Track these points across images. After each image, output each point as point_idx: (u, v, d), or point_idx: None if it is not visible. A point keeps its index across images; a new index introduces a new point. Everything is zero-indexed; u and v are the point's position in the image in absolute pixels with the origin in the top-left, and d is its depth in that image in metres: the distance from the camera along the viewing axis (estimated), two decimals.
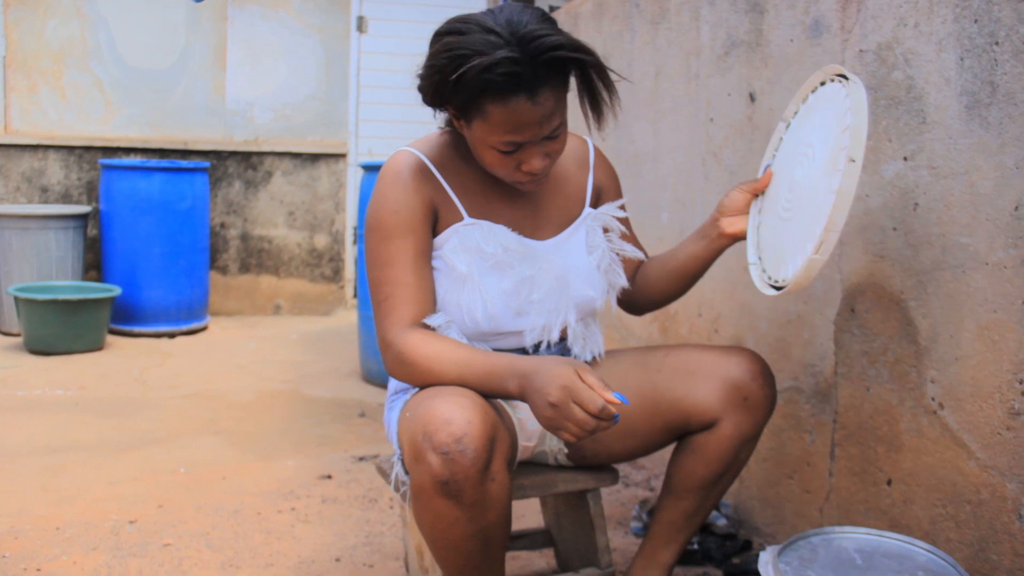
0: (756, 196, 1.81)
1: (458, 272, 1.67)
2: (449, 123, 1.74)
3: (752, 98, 2.37)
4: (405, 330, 1.61)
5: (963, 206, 1.69)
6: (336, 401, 3.88)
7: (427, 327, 1.64)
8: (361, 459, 3.07)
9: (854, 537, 1.61)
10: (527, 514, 2.56)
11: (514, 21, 1.51)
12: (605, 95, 1.64)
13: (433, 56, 1.55)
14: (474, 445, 1.41)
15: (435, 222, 1.70)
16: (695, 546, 2.29)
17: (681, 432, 1.79)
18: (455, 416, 1.42)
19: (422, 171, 1.70)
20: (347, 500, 2.70)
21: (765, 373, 1.76)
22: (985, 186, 1.64)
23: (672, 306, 2.72)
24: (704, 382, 1.74)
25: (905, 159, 1.83)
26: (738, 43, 2.44)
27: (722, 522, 2.36)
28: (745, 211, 1.81)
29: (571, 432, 1.42)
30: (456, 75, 1.48)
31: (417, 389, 1.65)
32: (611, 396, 1.42)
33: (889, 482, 1.90)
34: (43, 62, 5.61)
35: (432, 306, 1.68)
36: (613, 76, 1.63)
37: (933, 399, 1.77)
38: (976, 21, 1.64)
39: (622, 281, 1.84)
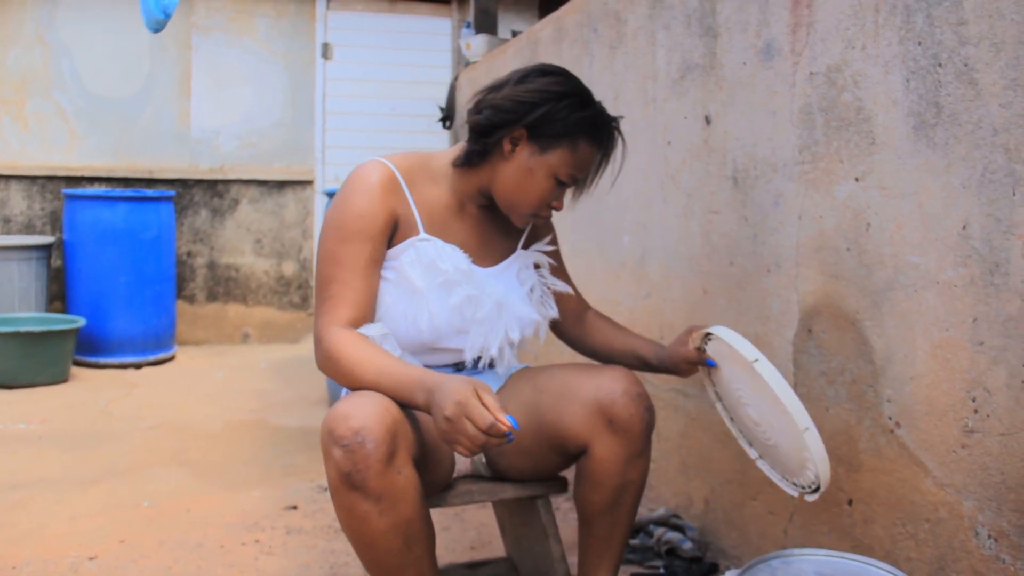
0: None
1: (411, 285, 1.75)
2: (477, 148, 1.80)
3: (708, 121, 2.39)
4: (339, 329, 1.67)
5: (913, 226, 1.70)
6: (303, 430, 3.85)
7: (358, 333, 1.68)
8: (326, 489, 3.04)
9: (814, 559, 1.61)
10: (493, 541, 2.55)
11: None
12: (594, 183, 1.89)
13: (540, 90, 1.75)
14: (372, 436, 1.46)
15: (393, 232, 1.77)
16: (661, 570, 2.29)
17: (565, 454, 1.82)
18: (354, 412, 1.49)
19: (391, 182, 1.77)
20: (312, 530, 2.67)
21: (630, 392, 1.73)
22: (933, 206, 1.65)
23: (633, 327, 2.72)
24: (572, 406, 1.76)
25: (856, 180, 1.84)
26: (693, 67, 2.46)
27: (688, 545, 2.35)
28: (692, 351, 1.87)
29: (463, 445, 1.46)
30: (570, 107, 1.74)
31: None
32: (502, 417, 1.45)
33: (850, 502, 1.90)
34: (4, 91, 5.57)
35: (371, 314, 1.73)
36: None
37: (890, 418, 1.78)
38: (920, 43, 1.66)
39: (553, 312, 1.96)
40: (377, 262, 1.74)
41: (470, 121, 1.81)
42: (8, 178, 5.56)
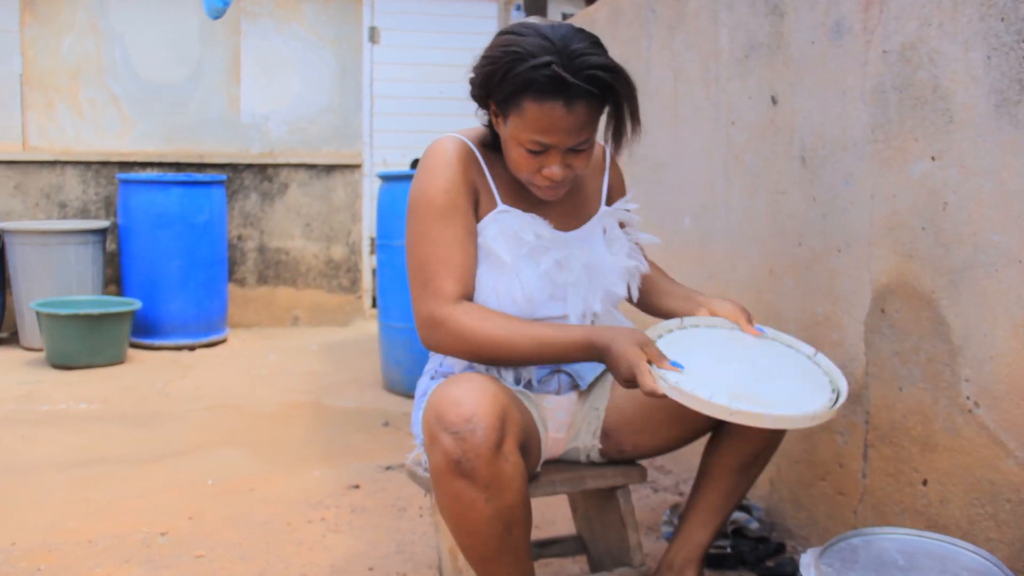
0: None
1: (498, 259, 1.72)
2: (489, 123, 1.79)
3: (774, 100, 2.38)
4: (458, 306, 1.65)
5: (994, 204, 1.69)
6: (359, 411, 3.89)
7: (481, 306, 1.69)
8: (388, 468, 3.07)
9: (895, 538, 1.61)
10: (558, 520, 2.57)
11: (568, 36, 1.61)
12: (628, 128, 1.71)
13: (490, 49, 1.66)
14: (483, 424, 1.46)
15: (475, 207, 1.76)
16: (728, 550, 2.29)
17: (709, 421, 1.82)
18: (464, 398, 1.48)
19: (468, 154, 1.76)
20: (376, 509, 2.70)
21: None
22: (1016, 184, 1.64)
23: None
24: None
25: (932, 158, 1.83)
26: (758, 46, 2.44)
27: (754, 525, 2.35)
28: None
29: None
30: (506, 69, 1.60)
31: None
32: (668, 365, 1.55)
33: (925, 482, 1.90)
34: (59, 79, 5.65)
35: (474, 287, 1.72)
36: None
37: (968, 398, 1.77)
38: (1003, 19, 1.65)
39: (644, 267, 1.92)
40: (472, 234, 1.72)
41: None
42: (64, 164, 5.65)
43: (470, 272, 1.70)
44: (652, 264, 2.00)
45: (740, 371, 1.65)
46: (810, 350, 1.77)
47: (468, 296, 1.69)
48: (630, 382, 1.55)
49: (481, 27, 6.12)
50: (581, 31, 1.65)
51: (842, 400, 1.60)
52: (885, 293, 1.99)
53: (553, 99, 1.58)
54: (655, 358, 1.56)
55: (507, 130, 1.67)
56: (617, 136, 1.73)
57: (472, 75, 1.70)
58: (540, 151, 1.65)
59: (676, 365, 1.56)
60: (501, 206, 1.77)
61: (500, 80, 1.62)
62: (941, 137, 1.81)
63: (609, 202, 1.96)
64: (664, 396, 1.50)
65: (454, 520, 1.54)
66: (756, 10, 2.45)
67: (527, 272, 1.73)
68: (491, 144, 1.81)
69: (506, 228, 1.74)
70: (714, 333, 1.79)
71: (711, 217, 2.74)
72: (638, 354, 1.55)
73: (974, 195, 1.73)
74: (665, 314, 1.93)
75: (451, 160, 1.73)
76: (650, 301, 1.98)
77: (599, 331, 1.62)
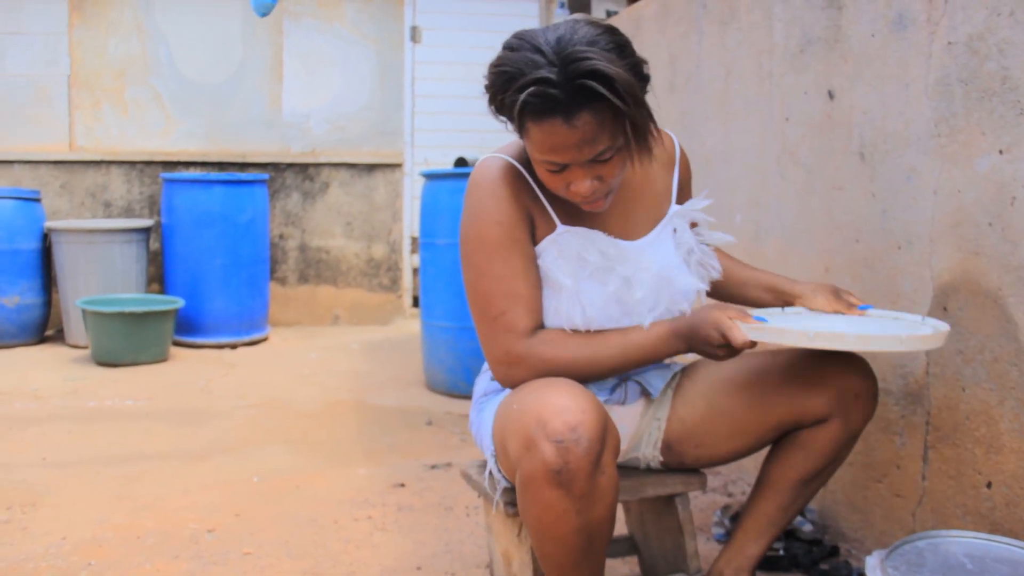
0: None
1: (558, 283, 1.65)
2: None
3: (831, 95, 2.33)
4: (533, 339, 1.62)
5: None
6: (402, 410, 3.88)
7: (553, 330, 1.66)
8: (433, 467, 3.06)
9: (962, 541, 1.56)
10: None
11: (563, 39, 1.47)
12: (631, 137, 1.53)
13: (489, 70, 1.55)
14: (588, 435, 1.41)
15: (532, 231, 1.68)
16: (781, 552, 2.25)
17: (791, 429, 1.79)
18: (570, 405, 1.42)
19: (517, 177, 1.67)
20: (423, 508, 2.69)
21: (871, 370, 1.79)
22: None
23: None
24: (818, 380, 1.75)
25: (1000, 152, 1.78)
26: (814, 40, 2.40)
27: (808, 528, 2.31)
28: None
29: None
30: (501, 93, 1.51)
31: (508, 390, 1.66)
32: (752, 321, 1.58)
33: (989, 484, 1.85)
34: (105, 79, 5.71)
35: (542, 313, 1.67)
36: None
37: None
38: None
39: (716, 273, 1.82)
40: (532, 261, 1.65)
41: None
42: (109, 163, 5.70)
43: (538, 301, 1.65)
44: (722, 253, 1.94)
45: (834, 321, 1.70)
46: (918, 317, 1.76)
47: (540, 325, 1.65)
48: (722, 347, 1.57)
49: (522, 25, 6.07)
50: (580, 26, 1.51)
51: (942, 330, 1.61)
52: (948, 291, 1.94)
53: (550, 117, 1.46)
54: (740, 316, 1.58)
55: (528, 150, 1.59)
56: (636, 144, 1.56)
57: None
58: (559, 170, 1.55)
59: (761, 320, 1.59)
60: (561, 227, 1.68)
61: (499, 106, 1.55)
62: (1010, 130, 1.76)
63: (680, 199, 1.86)
64: (755, 344, 1.55)
65: (541, 529, 1.49)
66: (812, 3, 2.40)
67: (591, 294, 1.65)
68: None
69: (566, 250, 1.66)
70: (815, 314, 1.81)
71: (763, 213, 2.69)
72: (722, 315, 1.57)
73: None
74: (748, 304, 1.90)
75: (498, 187, 1.65)
76: (728, 292, 1.95)
77: (677, 319, 1.64)
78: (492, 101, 1.56)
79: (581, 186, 1.56)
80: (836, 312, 1.79)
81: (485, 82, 1.57)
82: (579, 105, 1.45)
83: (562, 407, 1.42)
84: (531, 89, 1.45)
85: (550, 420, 1.41)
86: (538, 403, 1.45)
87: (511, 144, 1.75)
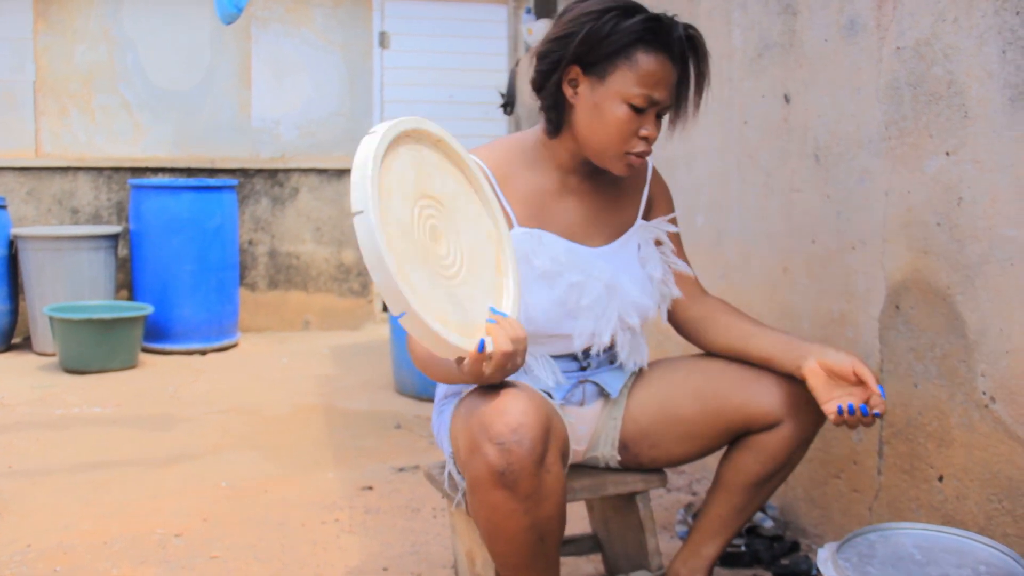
0: None
1: None
2: (551, 110, 1.72)
3: (787, 99, 2.38)
4: None
5: (1009, 199, 1.69)
6: (372, 414, 3.90)
7: None
8: (401, 470, 3.08)
9: (912, 533, 1.60)
10: (573, 519, 2.56)
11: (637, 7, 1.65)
12: (694, 102, 1.74)
13: (576, 17, 1.64)
14: (530, 436, 1.44)
15: None
16: (743, 548, 2.29)
17: (741, 434, 1.80)
18: (510, 407, 1.45)
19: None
20: (390, 510, 2.70)
21: None
22: None
23: None
24: (767, 385, 1.75)
25: (947, 154, 1.83)
26: (771, 45, 2.44)
27: (769, 524, 2.35)
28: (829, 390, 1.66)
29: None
30: (614, 23, 1.60)
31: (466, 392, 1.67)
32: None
33: (941, 478, 1.89)
34: (72, 86, 5.68)
35: None
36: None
37: (984, 393, 1.76)
38: (1018, 14, 1.64)
39: (675, 293, 1.86)
40: None
41: (531, 83, 1.74)
42: (77, 170, 5.67)
43: None
44: (723, 303, 1.90)
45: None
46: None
47: None
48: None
49: (491, 31, 6.12)
50: None
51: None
52: (900, 290, 1.99)
53: (664, 52, 1.62)
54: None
55: (603, 91, 1.64)
56: (695, 98, 1.75)
57: (546, 49, 1.67)
58: (644, 108, 1.64)
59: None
60: (517, 228, 1.72)
61: (608, 33, 1.61)
62: (956, 132, 1.80)
63: (648, 216, 1.90)
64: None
65: (490, 529, 1.52)
66: (769, 9, 2.45)
67: (536, 296, 1.68)
68: (523, 154, 1.78)
69: (516, 251, 1.67)
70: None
71: (724, 216, 2.74)
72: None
73: (989, 190, 1.73)
74: (758, 359, 1.77)
75: None
76: (734, 346, 1.81)
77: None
78: (591, 36, 1.61)
79: (654, 130, 1.68)
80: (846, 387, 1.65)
81: (552, 38, 1.66)
82: (684, 52, 1.66)
83: (503, 409, 1.45)
84: (653, 22, 1.61)
85: (492, 423, 1.44)
86: (483, 406, 1.48)
87: (485, 146, 1.81)
